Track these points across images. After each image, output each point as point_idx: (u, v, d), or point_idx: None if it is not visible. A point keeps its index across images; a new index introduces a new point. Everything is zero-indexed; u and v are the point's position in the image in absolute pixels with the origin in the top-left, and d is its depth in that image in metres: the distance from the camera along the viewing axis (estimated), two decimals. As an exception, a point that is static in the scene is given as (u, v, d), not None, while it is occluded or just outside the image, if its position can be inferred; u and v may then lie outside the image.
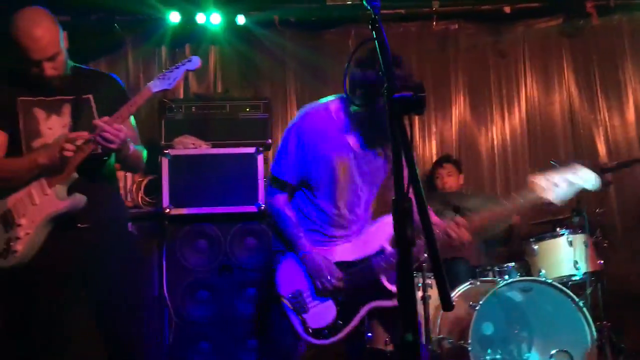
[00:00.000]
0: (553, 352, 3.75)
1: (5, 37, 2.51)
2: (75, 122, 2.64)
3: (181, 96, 5.05)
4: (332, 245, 2.62)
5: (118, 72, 4.66)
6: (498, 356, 3.84)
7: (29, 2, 2.62)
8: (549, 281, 3.76)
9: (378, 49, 1.59)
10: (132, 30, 5.05)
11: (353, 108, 2.54)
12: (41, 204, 2.53)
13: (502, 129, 5.34)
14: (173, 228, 4.12)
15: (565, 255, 4.00)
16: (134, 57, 5.10)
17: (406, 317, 1.42)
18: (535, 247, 4.08)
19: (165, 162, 4.13)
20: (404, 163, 1.45)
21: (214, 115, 4.45)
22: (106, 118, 2.50)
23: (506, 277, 3.90)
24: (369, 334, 3.67)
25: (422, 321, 3.61)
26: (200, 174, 4.12)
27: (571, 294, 3.70)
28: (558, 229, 4.11)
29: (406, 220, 1.40)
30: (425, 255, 3.57)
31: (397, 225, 1.39)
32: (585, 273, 3.95)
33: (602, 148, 5.26)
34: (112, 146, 2.49)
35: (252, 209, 4.08)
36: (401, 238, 1.39)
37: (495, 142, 5.33)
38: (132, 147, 2.63)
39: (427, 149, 5.29)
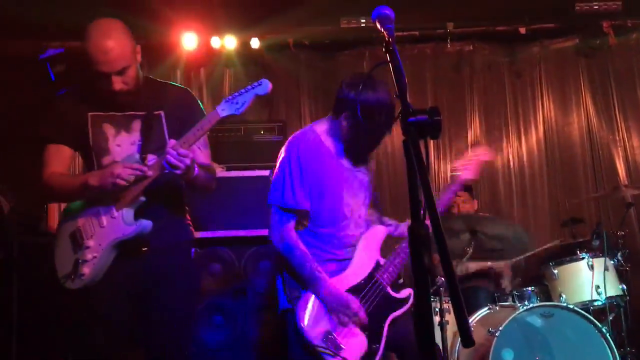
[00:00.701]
0: (576, 379, 3.65)
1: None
2: (144, 140, 2.59)
3: (196, 119, 5.06)
4: (344, 270, 2.61)
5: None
6: (519, 383, 3.74)
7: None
8: (571, 306, 3.67)
9: (392, 72, 1.56)
10: (147, 54, 5.07)
11: (344, 128, 2.58)
12: (108, 227, 2.49)
13: (518, 151, 5.29)
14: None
15: (586, 280, 3.90)
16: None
17: (424, 347, 1.37)
18: (555, 271, 3.98)
19: (179, 186, 4.11)
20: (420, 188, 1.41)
21: (229, 138, 4.44)
22: (173, 142, 2.40)
23: (526, 302, 3.80)
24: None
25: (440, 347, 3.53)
26: (214, 197, 4.08)
27: (594, 319, 3.60)
28: (578, 253, 4.01)
29: (423, 247, 1.35)
30: (443, 279, 3.53)
31: (414, 253, 1.35)
32: (607, 298, 3.85)
33: (621, 169, 5.17)
34: (177, 172, 2.40)
35: (266, 232, 4.03)
36: (418, 266, 1.35)
37: (511, 164, 5.27)
38: (197, 170, 2.52)
39: (442, 170, 5.24)
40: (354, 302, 2.51)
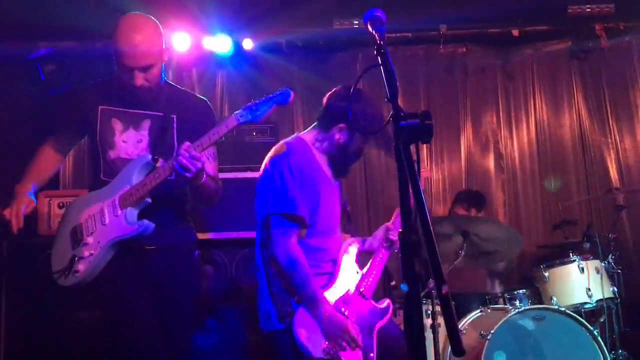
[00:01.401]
0: (568, 382, 3.65)
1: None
2: (152, 140, 2.57)
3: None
4: (331, 284, 2.60)
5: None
6: (511, 386, 3.74)
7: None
8: (562, 309, 3.67)
9: (384, 75, 1.55)
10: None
11: (337, 140, 2.60)
12: (110, 225, 2.44)
13: (511, 152, 5.29)
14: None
15: (577, 282, 3.90)
16: (140, 82, 5.09)
17: (414, 353, 1.36)
18: (546, 273, 3.98)
19: (170, 187, 4.09)
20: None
21: (221, 140, 4.41)
22: (187, 144, 2.35)
23: (517, 304, 3.80)
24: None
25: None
26: (206, 199, 4.07)
27: (585, 322, 3.60)
28: (570, 255, 4.02)
29: (414, 253, 1.34)
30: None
31: (405, 259, 1.34)
32: (598, 300, 3.85)
33: (613, 171, 5.18)
34: (187, 174, 2.35)
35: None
36: (408, 272, 1.33)
37: (504, 166, 5.27)
38: (206, 178, 2.49)
39: (435, 172, 5.24)
40: (353, 327, 2.47)
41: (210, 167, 2.61)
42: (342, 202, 2.80)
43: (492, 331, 3.51)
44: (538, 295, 4.03)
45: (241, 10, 4.75)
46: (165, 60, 2.57)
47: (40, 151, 2.67)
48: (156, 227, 2.46)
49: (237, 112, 2.42)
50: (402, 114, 1.43)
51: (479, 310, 3.84)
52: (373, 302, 2.69)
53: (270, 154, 2.63)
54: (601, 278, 3.88)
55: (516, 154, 5.26)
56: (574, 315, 3.63)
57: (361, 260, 2.77)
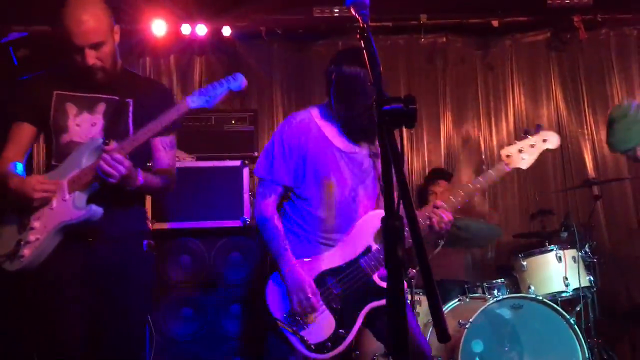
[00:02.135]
0: (544, 369, 3.69)
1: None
2: (107, 124, 2.52)
3: (165, 108, 4.97)
4: (323, 252, 2.55)
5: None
6: (488, 374, 3.77)
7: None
8: (540, 298, 3.70)
9: (367, 59, 1.52)
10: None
11: (337, 108, 2.55)
12: (57, 209, 2.39)
13: (489, 143, 5.31)
14: (155, 243, 3.99)
15: (555, 271, 3.95)
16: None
17: (397, 339, 1.35)
18: (524, 262, 4.02)
19: (148, 175, 4.03)
20: (394, 179, 1.38)
21: (199, 127, 4.36)
22: (112, 146, 2.33)
23: (495, 293, 3.83)
24: (357, 352, 3.58)
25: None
26: (184, 188, 4.01)
27: (562, 310, 3.64)
28: (547, 244, 4.05)
29: (396, 239, 1.32)
30: (414, 271, 3.52)
31: (387, 245, 1.32)
32: (575, 289, 3.90)
33: (589, 162, 5.23)
34: (111, 180, 2.32)
35: (237, 223, 3.99)
36: (391, 258, 1.32)
37: (482, 156, 5.29)
38: (142, 179, 2.44)
39: (415, 162, 5.24)
40: (310, 287, 2.44)
41: (166, 157, 2.60)
42: (369, 172, 2.64)
43: (470, 320, 3.53)
44: (516, 284, 4.07)
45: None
46: (117, 41, 2.53)
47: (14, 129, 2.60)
48: (105, 215, 2.41)
49: (189, 96, 2.42)
50: (386, 98, 1.41)
51: (457, 300, 3.86)
52: (377, 277, 2.52)
53: None
54: (578, 267, 3.93)
55: (494, 144, 5.28)
56: (551, 303, 3.66)
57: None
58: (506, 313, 3.86)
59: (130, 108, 2.56)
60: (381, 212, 2.63)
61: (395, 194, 1.36)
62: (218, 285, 3.97)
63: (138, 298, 2.58)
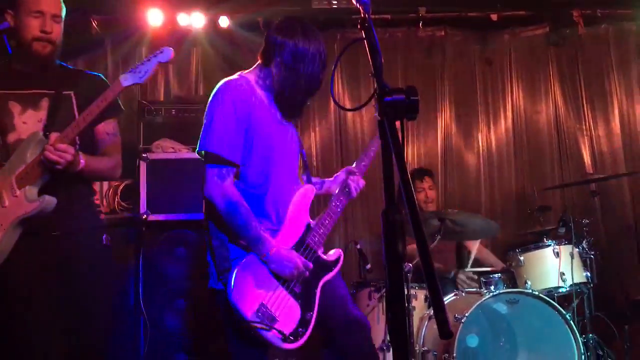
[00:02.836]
0: (539, 365, 3.69)
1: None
2: (52, 118, 2.55)
3: (161, 98, 4.93)
4: (275, 234, 2.44)
5: (97, 72, 4.54)
6: (483, 369, 3.76)
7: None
8: (536, 293, 3.69)
9: (368, 50, 1.49)
10: (112, 30, 4.91)
11: (275, 76, 2.43)
12: (10, 206, 2.42)
13: (487, 138, 5.29)
14: (150, 234, 3.99)
15: (552, 267, 3.93)
16: (113, 58, 4.95)
17: (397, 334, 1.32)
18: (521, 257, 4.00)
19: (143, 166, 4.01)
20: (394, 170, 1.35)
21: (195, 118, 4.32)
22: (54, 137, 2.39)
23: (492, 288, 3.82)
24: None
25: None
26: (180, 179, 3.99)
27: (558, 306, 3.63)
28: (544, 240, 4.04)
29: (397, 233, 1.29)
30: (410, 265, 3.50)
31: (387, 239, 1.29)
32: (571, 285, 3.89)
33: (587, 158, 5.22)
34: (58, 167, 2.40)
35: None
36: (391, 253, 1.29)
37: (480, 151, 5.27)
38: (84, 163, 2.48)
39: (412, 157, 5.21)
40: (299, 258, 2.38)
41: (110, 142, 2.65)
42: (297, 143, 2.59)
43: (466, 314, 3.51)
44: (513, 279, 4.06)
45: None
46: (62, 29, 2.61)
47: None
48: (58, 211, 2.45)
49: (121, 75, 2.48)
50: (387, 90, 1.38)
51: (453, 294, 3.85)
52: (321, 253, 2.51)
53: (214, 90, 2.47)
54: (575, 263, 3.91)
55: (492, 139, 5.26)
56: (547, 299, 3.65)
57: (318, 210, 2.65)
58: (502, 308, 3.85)
59: (74, 100, 2.61)
60: (310, 187, 2.61)
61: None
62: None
63: (99, 293, 2.61)
